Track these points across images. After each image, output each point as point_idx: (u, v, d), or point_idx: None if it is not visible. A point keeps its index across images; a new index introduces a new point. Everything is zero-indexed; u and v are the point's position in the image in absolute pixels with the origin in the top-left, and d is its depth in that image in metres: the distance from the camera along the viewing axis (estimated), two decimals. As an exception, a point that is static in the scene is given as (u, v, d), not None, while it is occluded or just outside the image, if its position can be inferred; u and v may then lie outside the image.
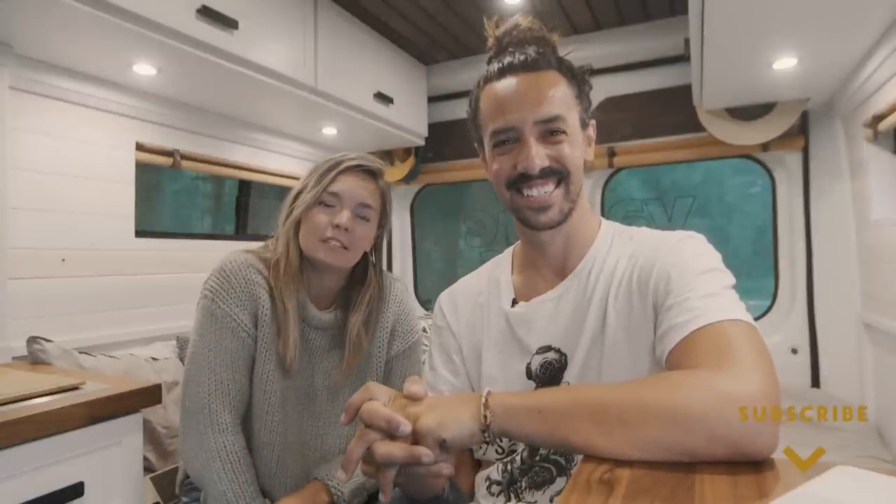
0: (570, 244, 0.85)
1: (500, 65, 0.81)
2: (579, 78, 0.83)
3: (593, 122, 0.87)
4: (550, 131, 0.78)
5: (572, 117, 0.80)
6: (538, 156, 0.77)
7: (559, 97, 0.79)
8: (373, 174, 1.11)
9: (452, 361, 0.91)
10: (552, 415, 0.60)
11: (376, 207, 1.11)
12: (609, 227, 0.87)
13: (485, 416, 0.61)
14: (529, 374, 0.83)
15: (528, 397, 0.64)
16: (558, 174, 0.79)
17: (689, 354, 0.64)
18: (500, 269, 0.93)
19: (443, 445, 0.61)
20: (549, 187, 0.79)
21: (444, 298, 0.97)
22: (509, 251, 0.96)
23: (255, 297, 1.06)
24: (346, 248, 1.06)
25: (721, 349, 0.62)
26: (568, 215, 0.82)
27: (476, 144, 0.91)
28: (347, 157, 1.10)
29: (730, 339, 0.62)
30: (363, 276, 1.16)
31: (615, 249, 0.83)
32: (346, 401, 1.10)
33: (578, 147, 0.81)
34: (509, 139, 0.80)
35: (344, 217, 1.04)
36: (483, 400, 0.62)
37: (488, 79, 0.83)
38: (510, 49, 0.83)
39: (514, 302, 0.88)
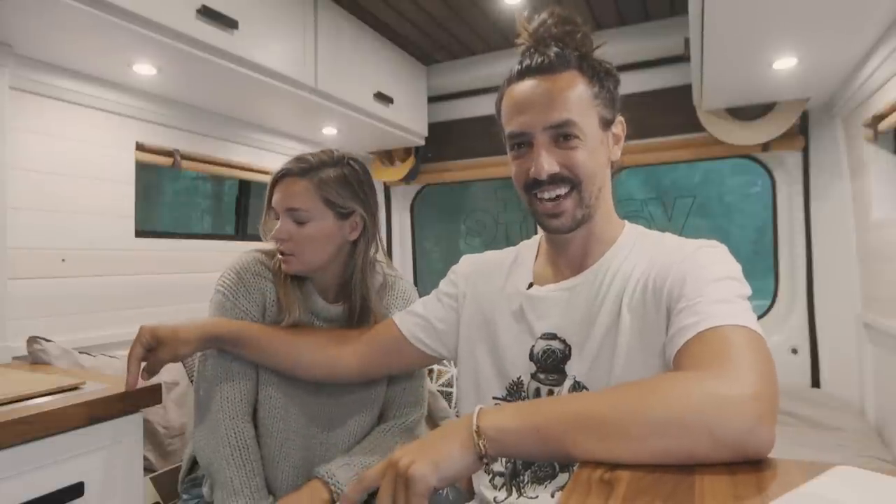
0: (591, 242, 0.86)
1: (520, 66, 0.81)
2: (602, 75, 0.81)
3: (621, 118, 0.85)
4: (563, 136, 0.78)
5: (588, 120, 0.79)
6: (547, 163, 0.77)
7: (573, 100, 0.77)
8: (297, 174, 1.07)
9: (442, 307, 0.99)
10: (551, 432, 0.59)
11: (309, 205, 1.06)
12: (632, 231, 0.88)
13: (480, 446, 0.59)
14: (531, 357, 0.85)
15: (524, 414, 0.61)
16: (569, 182, 0.79)
17: (692, 357, 0.64)
18: (525, 252, 0.95)
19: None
20: (561, 191, 0.79)
21: (468, 259, 1.02)
22: (537, 238, 0.96)
23: (262, 290, 1.11)
24: (290, 254, 1.06)
25: (721, 352, 0.62)
26: (582, 221, 0.82)
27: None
28: (283, 166, 1.09)
29: (731, 344, 0.63)
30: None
31: (635, 253, 0.83)
32: (351, 393, 1.14)
33: (596, 150, 0.80)
34: (523, 143, 0.81)
35: (277, 228, 1.06)
36: (474, 427, 0.60)
37: (510, 79, 0.83)
38: (533, 49, 0.82)
39: (531, 285, 0.89)
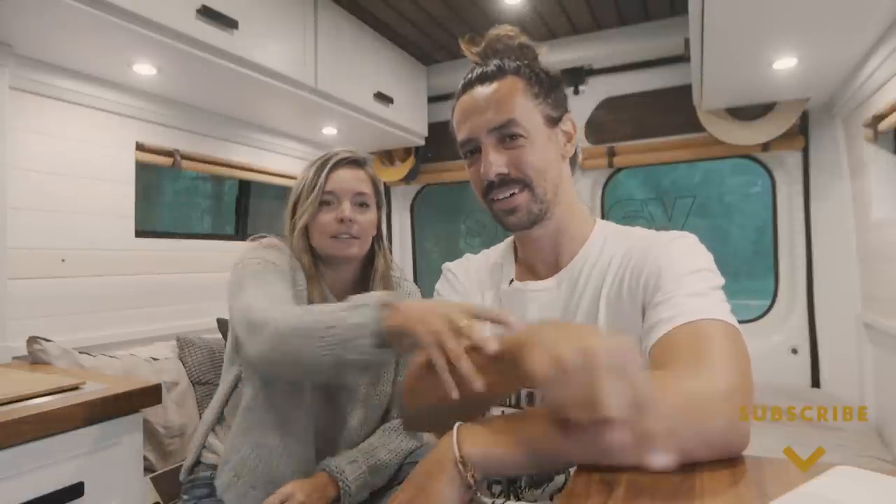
0: (562, 240, 0.86)
1: (464, 80, 0.86)
2: (542, 77, 0.84)
3: (569, 115, 0.87)
4: (508, 136, 0.80)
5: (532, 118, 0.81)
6: (495, 163, 0.80)
7: (514, 101, 0.80)
8: (360, 163, 1.17)
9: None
10: (542, 448, 0.58)
11: (371, 193, 1.17)
12: (603, 227, 0.89)
13: (469, 478, 0.57)
14: None
15: (511, 434, 0.59)
16: (520, 182, 0.81)
17: (667, 351, 0.65)
18: (502, 254, 0.96)
19: None
20: (514, 190, 0.81)
21: (454, 265, 1.00)
22: (509, 241, 0.97)
23: (294, 270, 1.11)
24: (355, 237, 1.12)
25: (697, 348, 0.63)
26: (541, 216, 0.83)
27: None
28: (332, 154, 1.16)
29: (707, 338, 0.64)
30: (373, 262, 1.22)
31: (609, 248, 0.84)
32: (359, 392, 1.15)
33: (544, 147, 0.82)
34: (474, 150, 0.84)
35: (346, 210, 1.11)
36: (458, 457, 0.58)
37: (457, 95, 0.87)
38: (476, 65, 0.87)
39: (511, 282, 0.90)
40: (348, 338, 0.71)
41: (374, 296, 0.75)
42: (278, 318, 0.82)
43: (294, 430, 1.08)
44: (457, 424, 0.61)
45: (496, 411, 0.85)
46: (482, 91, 0.82)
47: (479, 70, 0.85)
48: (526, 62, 0.85)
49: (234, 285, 1.02)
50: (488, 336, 0.61)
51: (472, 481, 0.57)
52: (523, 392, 0.83)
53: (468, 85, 0.85)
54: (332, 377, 0.93)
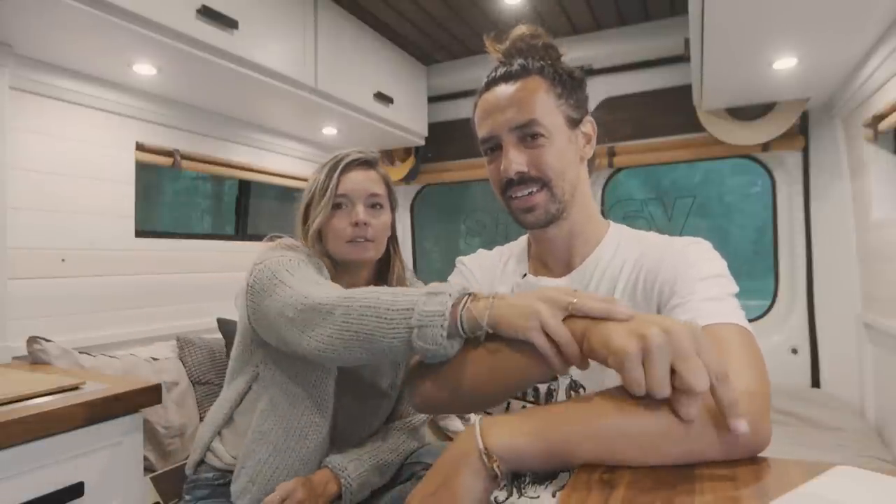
0: (575, 241, 0.87)
1: (488, 79, 0.87)
2: (565, 78, 0.84)
3: (591, 118, 0.88)
4: (529, 135, 0.81)
5: (554, 119, 0.82)
6: (515, 161, 0.81)
7: (536, 101, 0.81)
8: (371, 164, 1.16)
9: None
10: (563, 448, 0.58)
11: (384, 194, 1.15)
12: (617, 230, 0.89)
13: (496, 469, 0.57)
14: None
15: (534, 431, 0.59)
16: (539, 181, 0.82)
17: None
18: (517, 251, 0.97)
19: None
20: (533, 188, 0.82)
21: (468, 259, 1.01)
22: (524, 238, 0.98)
23: (319, 268, 1.07)
24: (370, 240, 1.10)
25: None
26: (557, 216, 0.84)
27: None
28: (342, 155, 1.13)
29: (724, 342, 0.64)
30: (388, 263, 1.21)
31: (622, 252, 0.84)
32: (377, 393, 1.15)
33: (564, 148, 0.83)
34: (494, 147, 0.85)
35: (360, 213, 1.09)
36: (482, 449, 0.58)
37: (480, 92, 0.88)
38: (500, 63, 0.87)
39: (525, 276, 0.91)
40: (422, 324, 0.68)
41: (455, 286, 0.71)
42: (348, 298, 0.79)
43: (312, 435, 1.07)
44: (478, 417, 0.62)
45: (516, 405, 0.86)
46: (505, 89, 0.83)
47: (502, 69, 0.85)
48: (549, 62, 0.85)
49: (268, 282, 0.97)
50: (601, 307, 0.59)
51: (497, 472, 0.57)
52: (542, 388, 0.84)
53: (492, 83, 0.85)
54: (399, 359, 0.95)
